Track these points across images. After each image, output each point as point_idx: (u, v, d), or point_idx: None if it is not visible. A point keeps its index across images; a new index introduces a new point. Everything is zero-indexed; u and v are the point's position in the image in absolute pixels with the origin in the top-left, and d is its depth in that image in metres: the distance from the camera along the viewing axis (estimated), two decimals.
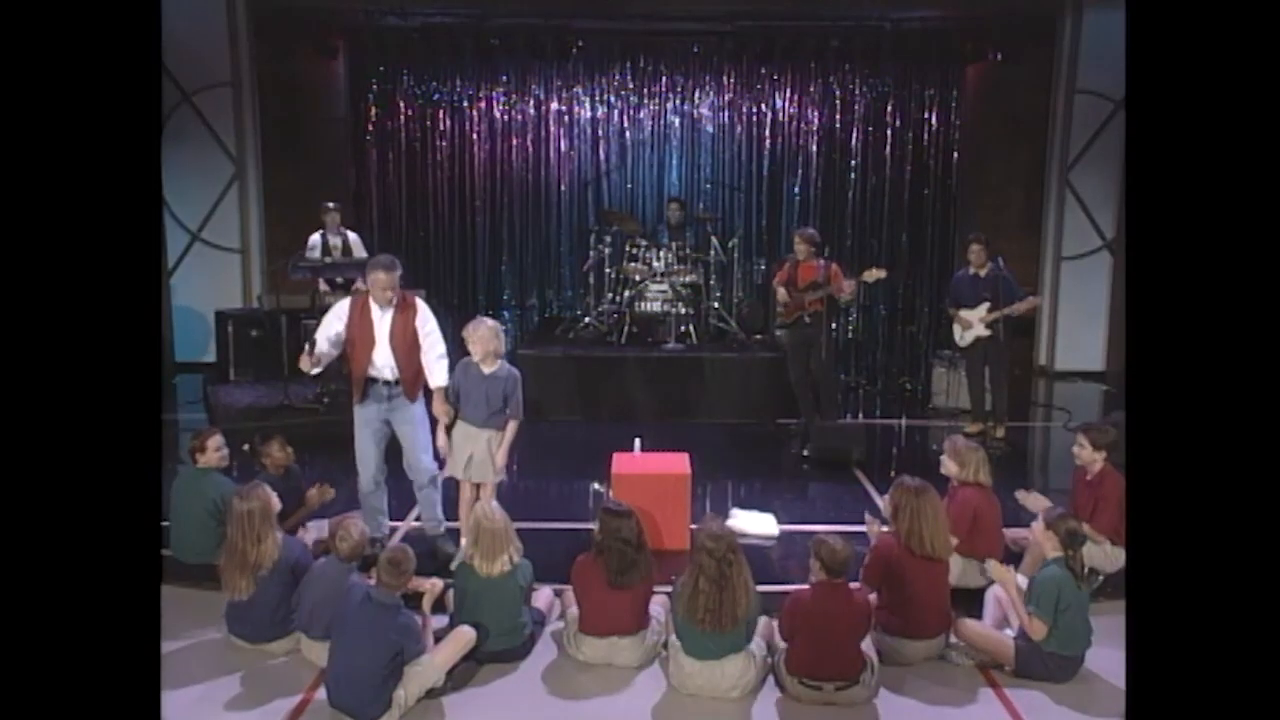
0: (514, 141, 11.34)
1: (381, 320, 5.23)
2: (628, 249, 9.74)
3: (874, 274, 7.61)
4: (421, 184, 11.30)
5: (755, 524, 5.83)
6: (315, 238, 8.56)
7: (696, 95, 11.34)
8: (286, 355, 7.89)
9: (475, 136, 11.30)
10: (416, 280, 9.66)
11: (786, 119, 11.32)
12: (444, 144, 11.29)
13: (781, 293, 7.82)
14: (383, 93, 11.09)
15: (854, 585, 4.38)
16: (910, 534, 4.53)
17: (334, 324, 5.32)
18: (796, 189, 11.37)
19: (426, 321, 5.29)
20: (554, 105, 11.31)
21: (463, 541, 4.60)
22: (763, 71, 11.19)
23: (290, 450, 5.54)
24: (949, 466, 5.24)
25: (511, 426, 5.35)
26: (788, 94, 11.28)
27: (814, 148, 11.33)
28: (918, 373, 10.47)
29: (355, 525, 4.53)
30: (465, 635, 4.34)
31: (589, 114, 11.36)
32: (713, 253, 9.97)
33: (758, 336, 9.69)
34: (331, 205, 8.70)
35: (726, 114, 11.36)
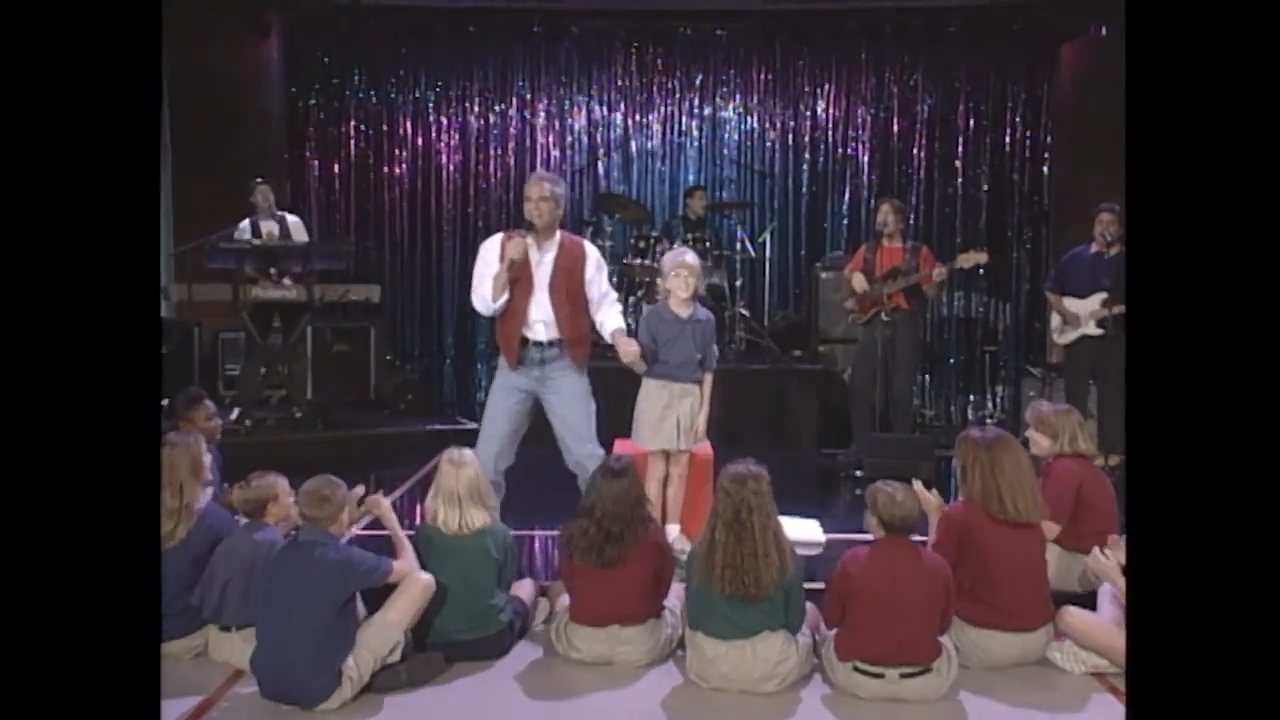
0: (492, 152, 11.61)
1: (540, 262, 5.33)
2: (633, 242, 9.83)
3: (972, 257, 7.52)
4: (375, 204, 11.50)
5: (797, 530, 5.79)
6: (244, 224, 8.55)
7: (718, 94, 11.64)
8: (198, 372, 7.93)
9: (444, 146, 11.59)
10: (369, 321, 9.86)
11: (831, 123, 11.59)
12: (405, 154, 11.55)
13: (860, 280, 7.66)
14: (328, 89, 11.32)
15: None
16: (986, 495, 4.48)
17: (488, 270, 5.36)
18: (844, 210, 11.55)
19: (602, 269, 5.50)
20: (542, 106, 11.61)
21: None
22: (800, 64, 11.49)
23: (218, 423, 5.63)
24: (1039, 442, 5.22)
25: (709, 379, 5.65)
26: (831, 92, 11.58)
27: (865, 159, 11.58)
28: (1006, 405, 10.58)
29: (261, 477, 4.61)
30: (421, 581, 4.30)
31: (585, 118, 11.65)
32: (739, 249, 10.07)
33: (796, 353, 9.79)
34: (260, 180, 8.68)
35: (755, 117, 11.65)
